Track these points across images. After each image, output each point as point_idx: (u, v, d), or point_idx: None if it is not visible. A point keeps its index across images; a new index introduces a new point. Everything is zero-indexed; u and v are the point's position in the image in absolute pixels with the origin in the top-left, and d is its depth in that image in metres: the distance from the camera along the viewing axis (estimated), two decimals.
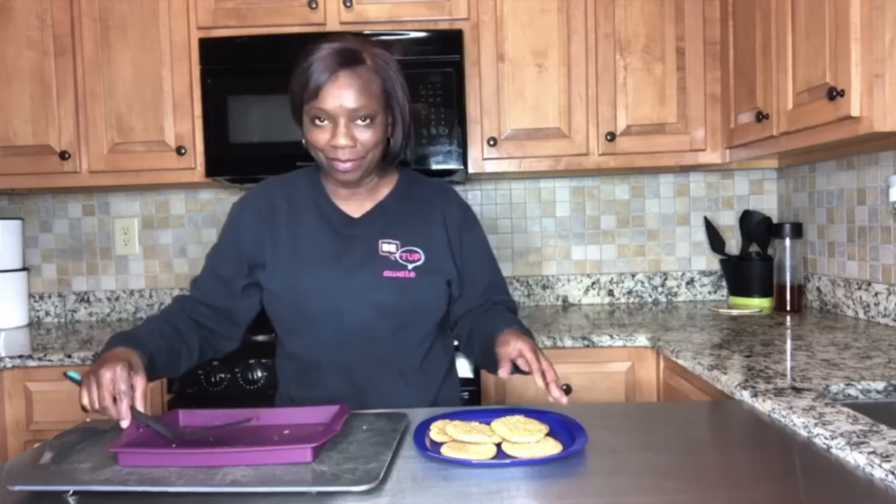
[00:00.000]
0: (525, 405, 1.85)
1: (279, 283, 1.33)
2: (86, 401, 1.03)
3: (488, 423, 1.07)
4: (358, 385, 1.31)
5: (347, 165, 1.25)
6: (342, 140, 1.23)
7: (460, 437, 1.01)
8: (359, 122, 1.24)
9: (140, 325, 1.24)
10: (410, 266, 1.32)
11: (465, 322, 1.38)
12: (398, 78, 1.30)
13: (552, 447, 0.99)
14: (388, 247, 1.33)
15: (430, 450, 0.98)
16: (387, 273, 1.30)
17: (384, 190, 1.39)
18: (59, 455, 0.98)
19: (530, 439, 1.01)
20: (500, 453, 0.99)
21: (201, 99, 2.15)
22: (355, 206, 1.37)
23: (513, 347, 1.15)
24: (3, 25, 2.19)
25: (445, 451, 0.98)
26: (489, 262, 1.43)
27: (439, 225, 1.37)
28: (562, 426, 1.08)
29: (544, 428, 1.04)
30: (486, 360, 1.27)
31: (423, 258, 1.33)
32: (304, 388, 1.35)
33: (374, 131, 1.25)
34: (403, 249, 1.33)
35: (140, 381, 1.06)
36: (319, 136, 1.25)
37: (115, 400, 1.03)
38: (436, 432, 1.05)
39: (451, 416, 1.12)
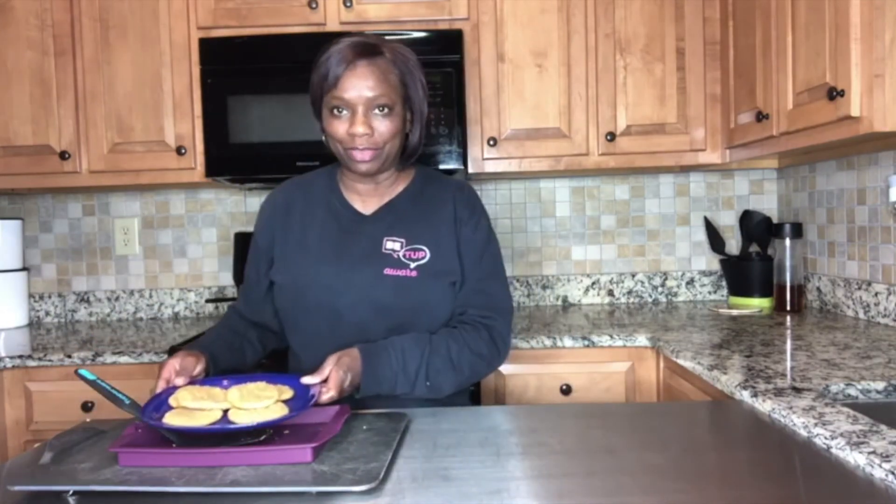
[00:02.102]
0: (525, 403, 1.86)
1: (283, 276, 1.36)
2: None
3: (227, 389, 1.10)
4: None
5: (365, 155, 1.27)
6: (360, 128, 1.24)
7: (186, 404, 1.04)
8: (377, 111, 1.25)
9: (202, 336, 1.37)
10: (413, 265, 1.31)
11: None
12: (417, 74, 1.32)
13: (276, 413, 1.01)
14: (392, 244, 1.33)
15: (153, 419, 1.00)
16: (387, 271, 1.30)
17: (399, 187, 1.39)
18: (59, 455, 0.98)
19: (258, 405, 1.03)
20: (225, 419, 1.02)
21: (201, 99, 2.14)
22: (368, 203, 1.38)
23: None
24: (3, 25, 2.19)
25: (168, 417, 1.00)
26: (480, 266, 1.37)
27: (449, 222, 1.36)
28: (303, 392, 1.11)
29: (276, 395, 1.07)
30: None
31: (428, 257, 1.32)
32: None
33: (391, 121, 1.27)
34: (408, 248, 1.32)
35: (199, 367, 1.19)
36: (338, 127, 1.27)
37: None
38: (174, 398, 1.07)
39: (202, 383, 1.15)
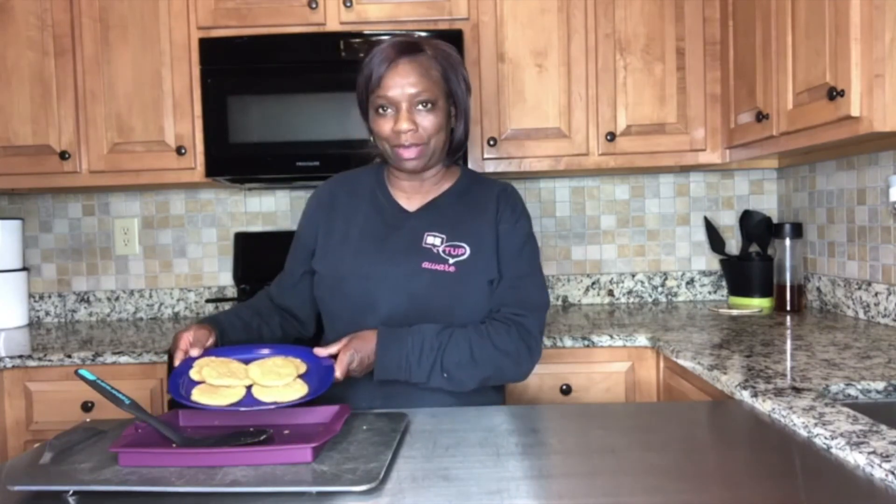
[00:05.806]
0: (525, 403, 1.86)
1: (323, 265, 1.39)
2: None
3: (248, 364, 1.14)
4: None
5: (412, 152, 1.29)
6: (404, 124, 1.27)
7: (212, 381, 1.08)
8: (420, 107, 1.28)
9: (221, 311, 1.42)
10: (452, 261, 1.32)
11: None
12: (459, 69, 1.35)
13: (297, 390, 1.07)
14: (432, 239, 1.35)
15: (182, 396, 1.05)
16: (425, 265, 1.32)
17: (445, 185, 1.42)
18: (59, 455, 0.98)
19: (278, 383, 1.08)
20: (249, 396, 1.07)
21: (201, 99, 2.14)
22: (412, 200, 1.41)
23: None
24: (3, 25, 2.19)
25: (195, 395, 1.05)
26: (517, 264, 1.37)
27: (491, 221, 1.37)
28: (316, 366, 1.16)
29: (294, 371, 1.12)
30: None
31: (468, 253, 1.33)
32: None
33: (435, 116, 1.29)
34: (448, 244, 1.34)
35: (210, 340, 1.23)
36: (384, 125, 1.30)
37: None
38: (195, 371, 1.11)
39: (218, 353, 1.18)
